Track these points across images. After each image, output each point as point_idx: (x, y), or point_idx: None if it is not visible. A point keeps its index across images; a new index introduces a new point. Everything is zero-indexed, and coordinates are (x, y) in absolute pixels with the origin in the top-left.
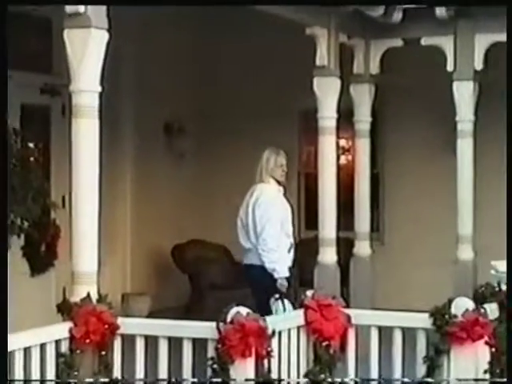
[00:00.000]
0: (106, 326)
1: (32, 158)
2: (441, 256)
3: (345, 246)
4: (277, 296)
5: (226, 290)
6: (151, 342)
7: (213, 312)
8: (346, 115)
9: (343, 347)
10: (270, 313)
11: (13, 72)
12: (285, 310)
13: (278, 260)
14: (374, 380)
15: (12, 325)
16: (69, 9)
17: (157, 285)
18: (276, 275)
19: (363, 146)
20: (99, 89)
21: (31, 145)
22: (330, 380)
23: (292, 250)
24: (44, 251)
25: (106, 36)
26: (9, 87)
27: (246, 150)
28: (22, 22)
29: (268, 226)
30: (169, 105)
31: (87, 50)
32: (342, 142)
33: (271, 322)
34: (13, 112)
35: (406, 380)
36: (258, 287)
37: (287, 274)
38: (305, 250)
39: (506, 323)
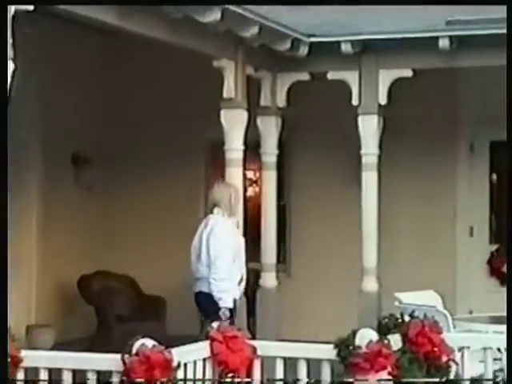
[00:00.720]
0: (9, 360)
1: None
2: (346, 287)
3: (251, 277)
4: (213, 325)
5: (133, 321)
6: (56, 374)
7: (119, 344)
8: (253, 147)
9: (248, 378)
10: None
11: None
12: None
13: (227, 290)
14: None
15: None
16: None
17: (63, 316)
18: (221, 304)
19: (270, 178)
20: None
21: None
22: None
23: (242, 283)
24: None
25: (11, 66)
26: None
27: (153, 180)
28: None
29: (221, 256)
30: (76, 135)
31: None
32: (250, 174)
33: (177, 354)
34: None
35: None
36: (207, 314)
37: (231, 306)
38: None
39: (408, 354)
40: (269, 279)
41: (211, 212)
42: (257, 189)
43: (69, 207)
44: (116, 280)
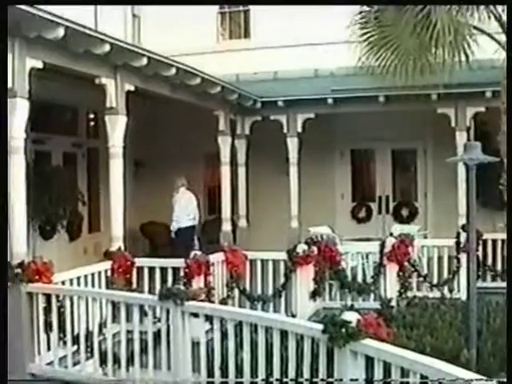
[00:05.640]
0: (129, 263)
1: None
2: (283, 225)
3: (233, 222)
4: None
5: (167, 246)
6: (152, 270)
7: (162, 257)
8: (234, 156)
9: (244, 271)
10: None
11: (58, 136)
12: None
13: None
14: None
15: None
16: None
17: (133, 245)
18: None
19: (242, 171)
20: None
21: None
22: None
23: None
24: (77, 229)
25: (124, 119)
26: (55, 143)
27: (176, 173)
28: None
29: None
30: (135, 149)
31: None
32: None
33: (211, 258)
34: (58, 156)
35: None
36: (192, 236)
37: None
38: (209, 225)
39: (321, 256)
40: (242, 222)
41: (178, 189)
42: (234, 178)
43: (131, 188)
44: (159, 225)
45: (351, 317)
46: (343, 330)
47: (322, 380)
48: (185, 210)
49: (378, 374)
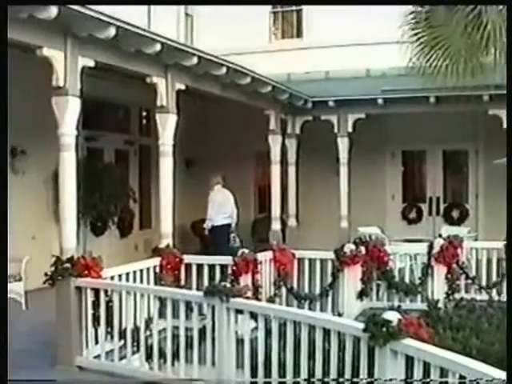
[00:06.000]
0: (178, 260)
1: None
2: (332, 225)
3: (283, 221)
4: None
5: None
6: (200, 266)
7: (213, 254)
8: (284, 155)
9: (291, 270)
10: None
11: (110, 133)
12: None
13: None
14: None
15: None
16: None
17: (183, 241)
18: (232, 229)
19: (292, 170)
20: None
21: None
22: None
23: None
24: (128, 225)
25: (175, 118)
26: (107, 140)
27: (225, 171)
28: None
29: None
30: (186, 148)
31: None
32: (282, 169)
33: (259, 256)
34: (110, 153)
35: None
36: (229, 233)
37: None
38: (259, 223)
39: (369, 256)
40: (291, 222)
41: (214, 187)
42: (285, 177)
43: (182, 186)
44: None
45: (392, 316)
46: (384, 329)
47: (362, 379)
48: (221, 207)
49: (418, 373)
